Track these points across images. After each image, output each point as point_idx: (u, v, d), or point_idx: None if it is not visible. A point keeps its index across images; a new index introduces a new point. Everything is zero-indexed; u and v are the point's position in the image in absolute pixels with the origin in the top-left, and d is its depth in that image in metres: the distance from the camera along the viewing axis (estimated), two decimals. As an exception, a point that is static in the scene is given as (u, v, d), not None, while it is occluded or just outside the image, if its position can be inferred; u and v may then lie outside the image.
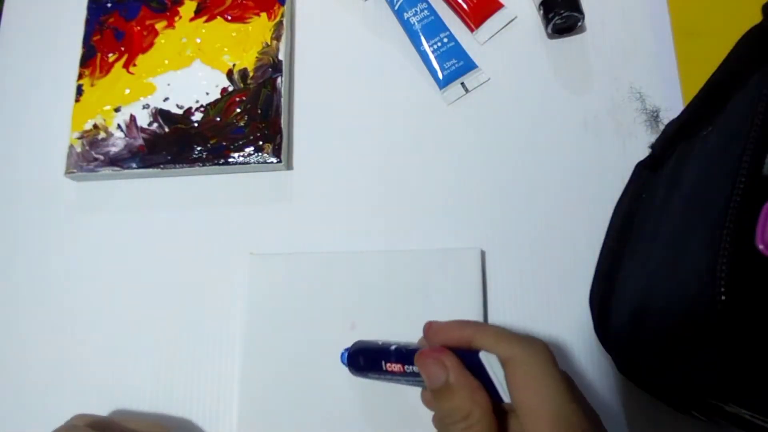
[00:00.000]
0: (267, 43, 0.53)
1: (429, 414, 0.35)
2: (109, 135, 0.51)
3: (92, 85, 0.53)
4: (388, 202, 0.49)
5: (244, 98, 0.51)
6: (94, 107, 0.52)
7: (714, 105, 0.38)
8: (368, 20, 0.55)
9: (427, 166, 0.50)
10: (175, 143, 0.50)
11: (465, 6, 0.53)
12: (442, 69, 0.51)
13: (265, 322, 0.45)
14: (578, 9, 0.50)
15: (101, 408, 0.46)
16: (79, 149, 0.51)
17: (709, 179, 0.33)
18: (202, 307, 0.48)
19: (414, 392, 0.43)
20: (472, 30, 0.53)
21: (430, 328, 0.35)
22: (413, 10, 0.52)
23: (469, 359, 0.32)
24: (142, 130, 0.51)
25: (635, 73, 0.51)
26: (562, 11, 0.50)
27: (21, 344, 0.48)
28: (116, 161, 0.51)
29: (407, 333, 0.44)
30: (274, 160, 0.49)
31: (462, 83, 0.51)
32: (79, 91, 0.53)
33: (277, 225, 0.49)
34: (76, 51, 0.55)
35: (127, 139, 0.51)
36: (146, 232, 0.50)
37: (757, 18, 0.34)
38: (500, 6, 0.53)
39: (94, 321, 0.48)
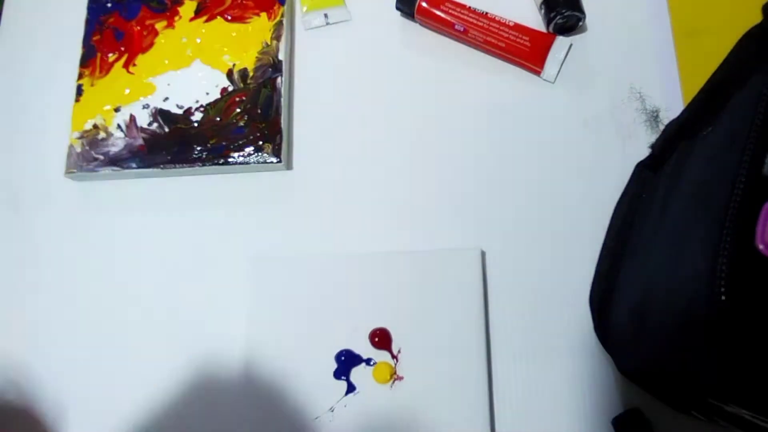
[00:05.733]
0: (267, 43, 0.53)
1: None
2: (109, 135, 0.51)
3: (92, 85, 0.53)
4: (389, 202, 0.49)
5: (244, 98, 0.51)
6: (94, 107, 0.52)
7: (714, 105, 0.38)
8: (368, 20, 0.55)
9: (427, 166, 0.50)
10: (175, 143, 0.50)
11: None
12: None
13: (267, 325, 0.45)
14: (579, 9, 0.50)
15: (99, 408, 0.46)
16: (79, 149, 0.51)
17: (709, 179, 0.33)
18: (202, 307, 0.48)
19: (413, 398, 0.43)
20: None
21: None
22: None
23: None
24: (142, 130, 0.51)
25: (635, 73, 0.51)
26: (564, 11, 0.50)
27: (20, 344, 0.48)
28: (116, 161, 0.51)
29: (408, 333, 0.44)
30: (274, 160, 0.49)
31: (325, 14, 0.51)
32: (79, 91, 0.53)
33: (277, 225, 0.49)
34: (76, 51, 0.55)
35: (127, 139, 0.51)
36: (146, 232, 0.50)
37: (757, 18, 0.34)
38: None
39: (93, 321, 0.48)
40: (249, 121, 0.51)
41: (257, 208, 0.50)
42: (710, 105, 0.39)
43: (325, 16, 0.55)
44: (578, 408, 0.43)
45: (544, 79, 0.51)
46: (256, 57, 0.52)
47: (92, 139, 0.51)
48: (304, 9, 0.55)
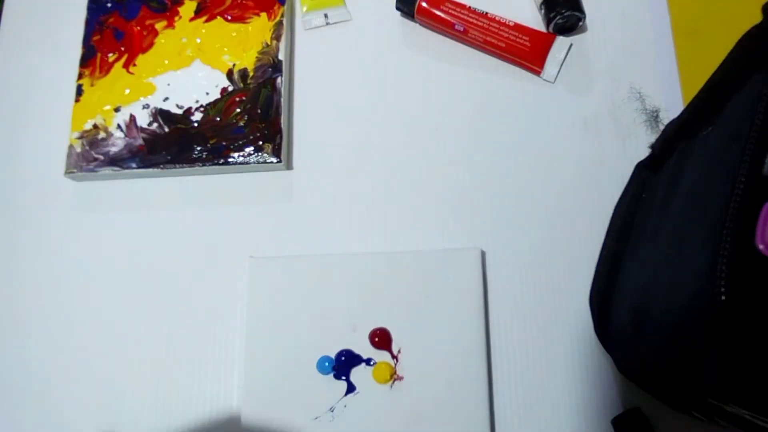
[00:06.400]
0: (267, 43, 0.53)
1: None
2: (109, 135, 0.51)
3: (92, 85, 0.53)
4: (389, 202, 0.49)
5: (244, 98, 0.51)
6: (94, 107, 0.52)
7: (714, 105, 0.38)
8: (368, 20, 0.55)
9: (427, 166, 0.50)
10: (175, 143, 0.50)
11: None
12: None
13: (267, 325, 0.45)
14: (579, 8, 0.50)
15: (99, 409, 0.46)
16: (79, 149, 0.51)
17: (709, 179, 0.33)
18: (201, 307, 0.48)
19: (413, 398, 0.43)
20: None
21: None
22: None
23: None
24: (142, 130, 0.51)
25: (635, 73, 0.51)
26: (564, 11, 0.50)
27: (20, 344, 0.48)
28: (116, 161, 0.51)
29: (408, 333, 0.44)
30: (274, 160, 0.49)
31: (325, 14, 0.51)
32: (79, 91, 0.53)
33: (277, 225, 0.49)
34: (76, 51, 0.55)
35: (127, 139, 0.51)
36: (146, 232, 0.50)
37: (757, 18, 0.34)
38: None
39: (93, 321, 0.48)
40: (249, 121, 0.51)
41: (257, 208, 0.50)
42: (710, 105, 0.39)
43: (325, 16, 0.55)
44: (578, 408, 0.43)
45: (544, 79, 0.51)
46: (256, 57, 0.52)
47: (92, 139, 0.51)
48: (304, 9, 0.55)
